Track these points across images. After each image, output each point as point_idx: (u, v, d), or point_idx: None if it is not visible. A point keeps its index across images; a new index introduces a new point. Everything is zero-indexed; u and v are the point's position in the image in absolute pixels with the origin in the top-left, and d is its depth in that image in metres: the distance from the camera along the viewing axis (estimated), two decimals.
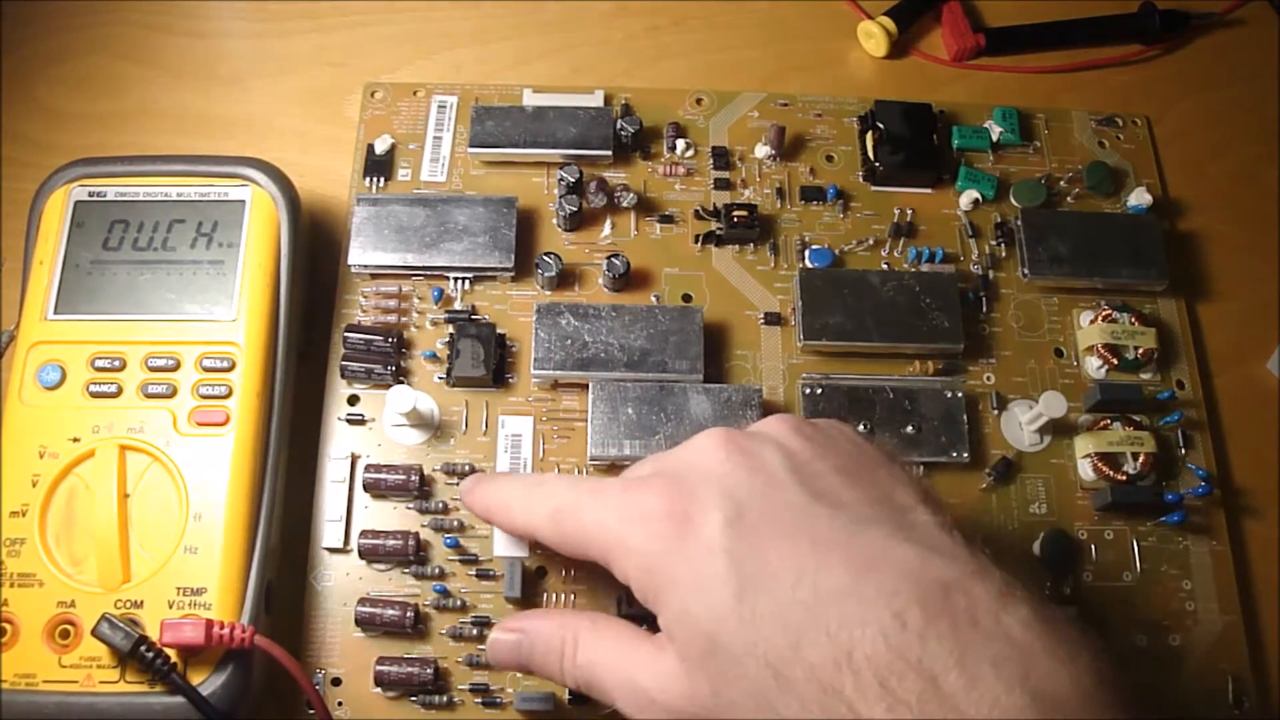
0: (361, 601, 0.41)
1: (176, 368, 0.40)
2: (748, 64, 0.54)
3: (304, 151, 0.50)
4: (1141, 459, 0.44)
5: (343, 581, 0.42)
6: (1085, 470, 0.45)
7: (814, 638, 0.28)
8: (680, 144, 0.50)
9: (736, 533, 0.30)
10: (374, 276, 0.46)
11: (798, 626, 0.28)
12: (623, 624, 0.34)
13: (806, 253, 0.48)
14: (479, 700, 0.40)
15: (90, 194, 0.43)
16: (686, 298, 0.47)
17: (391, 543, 0.41)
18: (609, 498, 0.33)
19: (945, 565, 0.28)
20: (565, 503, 0.34)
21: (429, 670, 0.40)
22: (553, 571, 0.42)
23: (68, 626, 0.37)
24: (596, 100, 0.50)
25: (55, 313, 0.41)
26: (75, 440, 0.39)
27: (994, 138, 0.51)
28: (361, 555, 0.42)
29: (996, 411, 0.46)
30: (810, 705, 0.28)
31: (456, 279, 0.46)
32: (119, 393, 0.40)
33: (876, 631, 0.27)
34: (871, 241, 0.49)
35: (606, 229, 0.48)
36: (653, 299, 0.47)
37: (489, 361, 0.44)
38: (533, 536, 0.37)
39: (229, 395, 0.40)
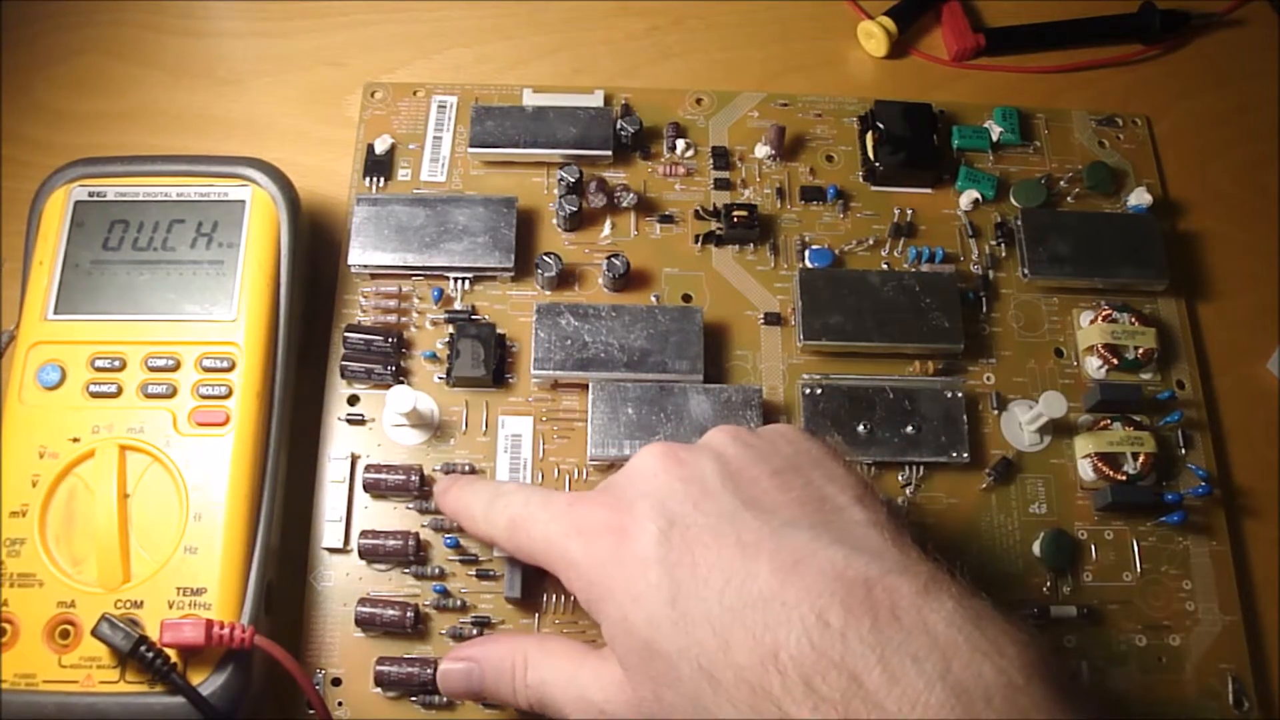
0: (361, 601, 0.41)
1: (176, 368, 0.40)
2: (748, 64, 0.54)
3: (304, 151, 0.50)
4: (1141, 459, 0.44)
5: (343, 581, 0.42)
6: (1085, 470, 0.45)
7: (741, 640, 0.28)
8: (680, 144, 0.50)
9: (669, 543, 0.31)
10: (374, 276, 0.46)
11: (726, 629, 0.29)
12: (569, 641, 0.36)
13: (806, 253, 0.48)
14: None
15: (90, 194, 0.43)
16: (686, 298, 0.47)
17: (391, 543, 0.41)
18: (556, 511, 0.35)
19: (869, 563, 0.29)
20: (518, 515, 0.36)
21: (429, 670, 0.40)
22: None
23: (68, 626, 0.37)
24: (596, 100, 0.50)
25: (55, 313, 0.41)
26: (75, 440, 0.39)
27: (994, 138, 0.51)
28: (361, 555, 0.42)
29: (996, 411, 0.46)
30: (741, 706, 0.28)
31: (456, 279, 0.46)
32: (119, 393, 0.40)
33: (800, 632, 0.28)
34: (871, 241, 0.49)
35: (606, 229, 0.48)
36: (653, 299, 0.47)
37: (489, 361, 0.44)
38: (492, 543, 0.39)
39: (229, 395, 0.40)
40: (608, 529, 0.33)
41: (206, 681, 0.36)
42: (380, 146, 0.49)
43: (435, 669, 0.40)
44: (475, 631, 0.41)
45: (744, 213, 0.47)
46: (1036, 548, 0.44)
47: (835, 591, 0.28)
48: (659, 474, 0.34)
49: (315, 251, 0.47)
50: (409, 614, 0.40)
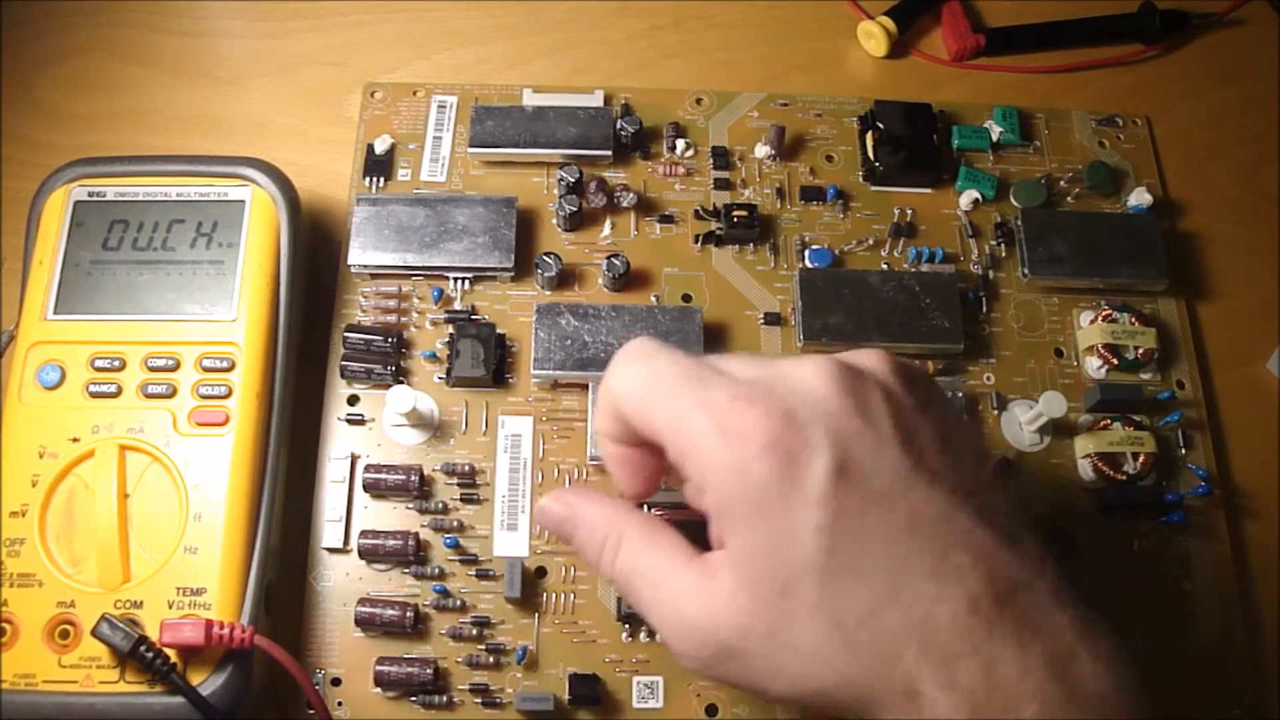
0: (361, 601, 0.41)
1: (176, 368, 0.40)
2: (748, 64, 0.54)
3: (304, 151, 0.50)
4: (1141, 459, 0.44)
5: (343, 581, 0.42)
6: (1085, 470, 0.45)
7: (891, 607, 0.28)
8: (680, 144, 0.50)
9: (842, 489, 0.29)
10: (374, 276, 0.46)
11: (877, 595, 0.29)
12: (672, 535, 0.32)
13: (806, 253, 0.48)
14: (479, 700, 0.40)
15: (90, 194, 0.43)
16: (686, 298, 0.47)
17: (391, 543, 0.41)
18: (715, 397, 0.31)
19: (1018, 559, 0.29)
20: (659, 380, 0.32)
21: (429, 670, 0.40)
22: (552, 571, 0.42)
23: (68, 626, 0.37)
24: (596, 100, 0.50)
25: (55, 313, 0.41)
26: (75, 440, 0.39)
27: (994, 138, 0.51)
28: (361, 555, 0.42)
29: (996, 411, 0.46)
30: (867, 665, 0.28)
31: (456, 279, 0.46)
32: (119, 393, 0.40)
33: (951, 613, 0.28)
34: (871, 241, 0.49)
35: (606, 229, 0.48)
36: (652, 299, 0.47)
37: (489, 361, 0.44)
38: (612, 408, 0.33)
39: (229, 395, 0.40)
40: (775, 446, 0.29)
41: (206, 681, 0.36)
42: (380, 146, 0.49)
43: (435, 669, 0.40)
44: (475, 632, 0.41)
45: (744, 213, 0.47)
46: None
47: (986, 582, 0.28)
48: (830, 398, 0.30)
49: (315, 251, 0.47)
50: (409, 614, 0.40)
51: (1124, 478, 0.44)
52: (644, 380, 0.32)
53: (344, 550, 0.42)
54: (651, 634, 0.41)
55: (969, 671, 0.28)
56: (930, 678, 0.28)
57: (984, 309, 0.48)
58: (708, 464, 0.30)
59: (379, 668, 0.40)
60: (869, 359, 0.33)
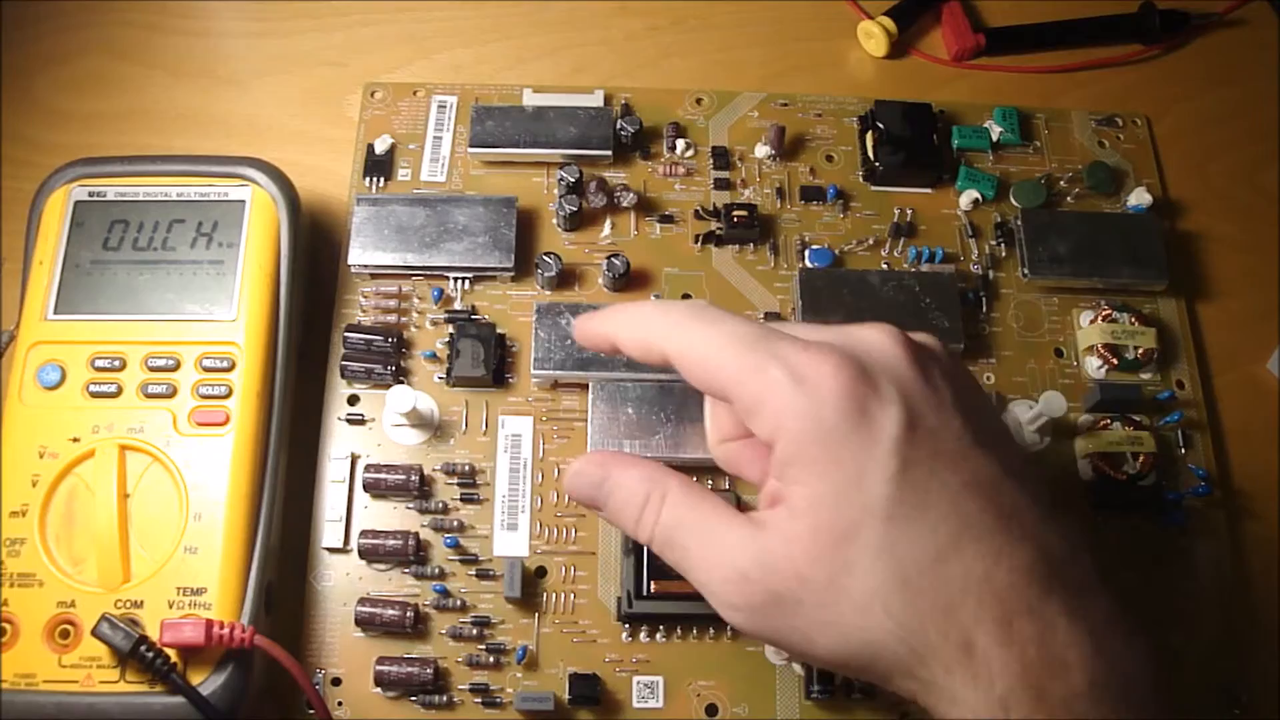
0: (361, 601, 0.41)
1: (176, 368, 0.40)
2: (748, 64, 0.54)
3: (304, 151, 0.50)
4: (1141, 459, 0.44)
5: (343, 581, 0.42)
6: (1085, 470, 0.45)
7: (954, 559, 0.29)
8: (680, 144, 0.50)
9: (911, 439, 0.30)
10: (374, 276, 0.46)
11: (940, 547, 0.29)
12: (717, 496, 0.33)
13: (806, 253, 0.48)
14: (479, 700, 0.40)
15: (90, 194, 0.43)
16: (686, 297, 0.47)
17: (391, 543, 0.41)
18: (788, 349, 0.31)
19: (1065, 536, 0.30)
20: (730, 328, 0.32)
21: (429, 670, 0.40)
22: (552, 571, 0.42)
23: (68, 626, 0.37)
24: (596, 100, 0.50)
25: (55, 313, 0.41)
26: (75, 440, 0.39)
27: (994, 138, 0.51)
28: (361, 555, 0.42)
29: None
30: (923, 615, 0.29)
31: (456, 279, 0.46)
32: (119, 393, 0.40)
33: (1008, 571, 0.29)
34: (871, 241, 0.49)
35: (606, 229, 0.48)
36: (653, 299, 0.47)
37: (489, 361, 0.44)
38: (663, 348, 0.33)
39: (229, 395, 0.40)
40: (850, 395, 0.30)
41: (206, 681, 0.36)
42: (380, 146, 0.49)
43: (435, 669, 0.40)
44: (475, 631, 0.41)
45: (744, 213, 0.47)
46: None
47: (1040, 552, 0.29)
48: (897, 355, 0.32)
49: (315, 251, 0.47)
50: (409, 614, 0.40)
51: (1124, 478, 0.44)
52: (716, 339, 0.32)
53: (344, 550, 0.42)
54: (652, 634, 0.41)
55: (1024, 631, 0.28)
56: (988, 633, 0.28)
57: (984, 309, 0.48)
58: (782, 410, 0.30)
59: (379, 667, 0.40)
60: (927, 339, 0.34)
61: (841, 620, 0.30)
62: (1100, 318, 0.47)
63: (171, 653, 0.36)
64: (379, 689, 0.40)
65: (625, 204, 0.48)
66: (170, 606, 0.37)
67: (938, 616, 0.29)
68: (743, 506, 0.32)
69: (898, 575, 0.29)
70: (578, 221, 0.48)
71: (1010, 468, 0.31)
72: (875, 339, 0.32)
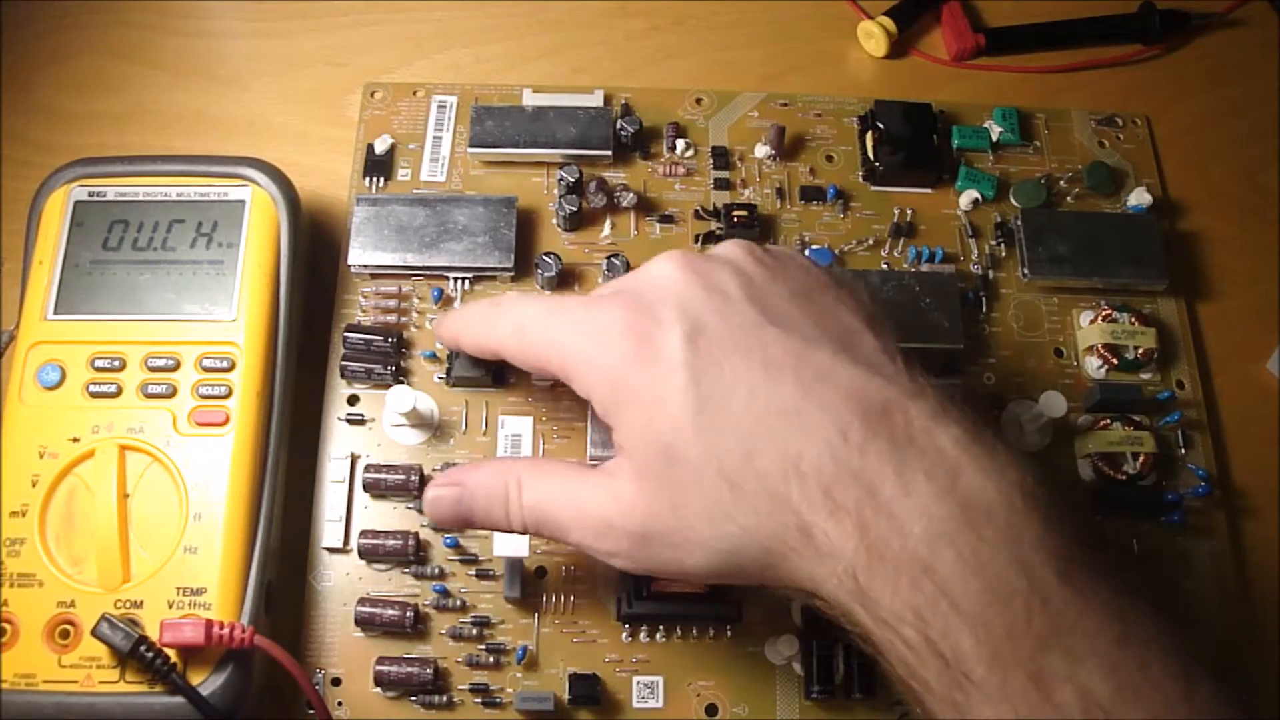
0: (361, 601, 0.41)
1: (176, 368, 0.40)
2: (748, 64, 0.54)
3: (304, 151, 0.50)
4: (1141, 459, 0.44)
5: (343, 581, 0.42)
6: (1085, 470, 0.45)
7: (765, 449, 0.30)
8: (680, 144, 0.50)
9: (696, 349, 0.31)
10: (374, 276, 0.46)
11: (750, 438, 0.30)
12: (563, 461, 0.35)
13: (806, 253, 0.48)
14: (479, 700, 0.40)
15: (90, 194, 0.43)
16: None
17: (391, 543, 0.41)
18: (572, 313, 0.34)
19: (885, 385, 0.30)
20: (528, 318, 0.35)
21: (429, 670, 0.40)
22: (552, 571, 0.42)
23: (68, 626, 0.37)
24: (596, 100, 0.50)
25: (55, 313, 0.41)
26: (75, 440, 0.39)
27: (994, 138, 0.51)
28: (361, 555, 0.42)
29: (996, 411, 0.46)
30: (760, 511, 0.30)
31: (456, 279, 0.46)
32: (119, 393, 0.40)
33: (822, 444, 0.29)
34: (871, 241, 0.49)
35: (606, 229, 0.48)
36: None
37: (489, 362, 0.44)
38: (496, 353, 0.37)
39: (229, 395, 0.40)
40: (630, 331, 0.32)
41: (206, 681, 0.36)
42: (380, 146, 0.49)
43: (435, 669, 0.40)
44: (475, 631, 0.41)
45: (744, 213, 0.48)
46: None
47: (855, 410, 0.30)
48: (679, 280, 0.33)
49: (315, 251, 0.47)
50: (409, 614, 0.40)
51: (1124, 478, 0.44)
52: (519, 329, 0.35)
53: (344, 550, 0.42)
54: (652, 634, 0.41)
55: (849, 495, 0.29)
56: (815, 509, 0.29)
57: (984, 309, 0.48)
58: (583, 369, 0.33)
59: (379, 668, 0.40)
60: (724, 246, 0.36)
61: (699, 537, 0.31)
62: (1100, 318, 0.47)
63: (171, 653, 0.36)
64: (379, 689, 0.40)
65: (625, 204, 0.48)
66: (170, 606, 0.37)
67: (770, 507, 0.30)
68: None
69: (724, 478, 0.30)
70: (578, 222, 0.48)
71: (818, 333, 0.32)
72: (656, 270, 0.34)
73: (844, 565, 0.29)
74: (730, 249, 0.35)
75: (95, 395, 0.40)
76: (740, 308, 0.32)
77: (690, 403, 0.31)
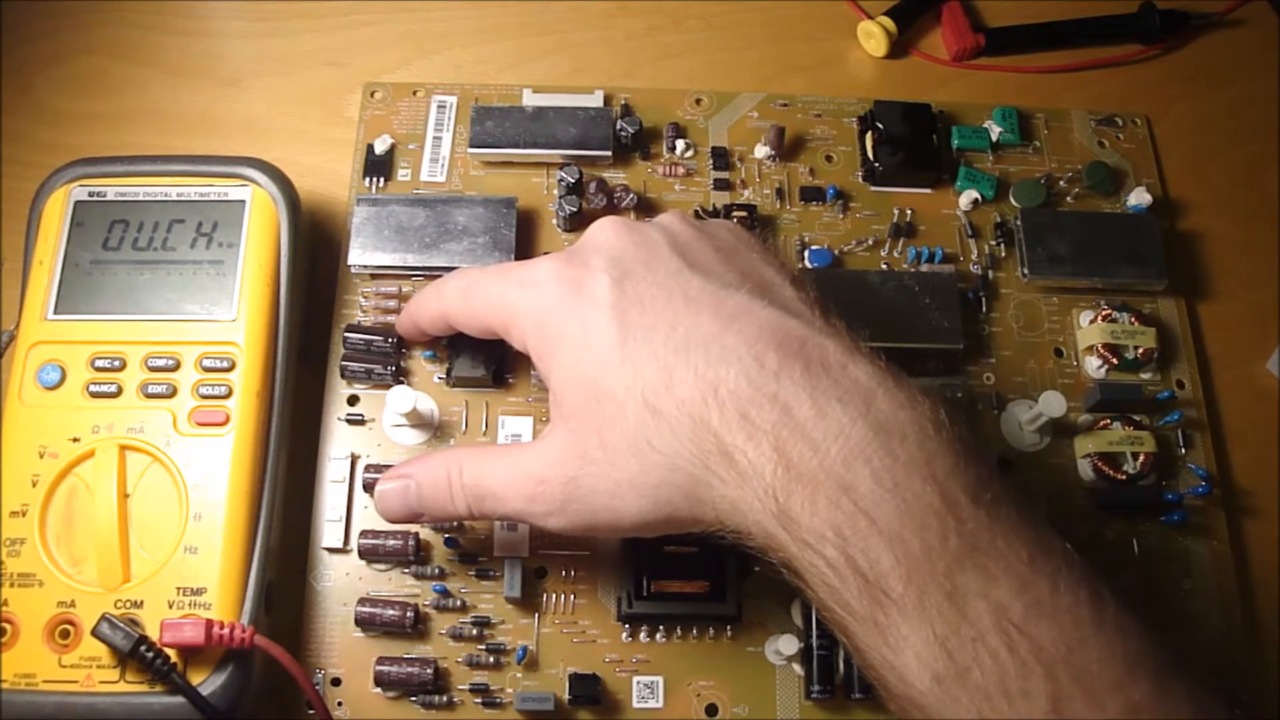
0: (361, 601, 0.41)
1: (176, 368, 0.40)
2: (748, 64, 0.54)
3: (304, 151, 0.50)
4: (1141, 459, 0.44)
5: (343, 581, 0.42)
6: (1085, 470, 0.45)
7: (684, 376, 0.31)
8: (680, 144, 0.50)
9: (621, 290, 0.34)
10: (374, 276, 0.46)
11: (670, 367, 0.32)
12: (504, 444, 0.37)
13: (806, 253, 0.48)
14: (479, 700, 0.40)
15: (90, 194, 0.43)
16: None
17: (391, 543, 0.41)
18: (510, 271, 0.37)
19: (801, 324, 0.32)
20: (470, 280, 0.38)
21: (429, 670, 0.40)
22: (552, 571, 0.42)
23: (68, 626, 0.37)
24: (596, 100, 0.50)
25: (55, 313, 0.41)
26: (75, 440, 0.39)
27: (994, 138, 0.51)
28: (361, 555, 0.42)
29: (996, 411, 0.46)
30: (682, 437, 0.31)
31: None
32: (119, 393, 0.40)
33: (739, 370, 0.31)
34: (871, 241, 0.49)
35: None
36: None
37: (489, 361, 0.44)
38: (446, 319, 0.40)
39: (229, 395, 0.40)
40: (561, 278, 0.35)
41: (206, 681, 0.36)
42: (380, 146, 0.49)
43: (435, 669, 0.40)
44: (475, 632, 0.41)
45: (744, 213, 0.48)
46: None
47: (770, 341, 0.31)
48: (612, 237, 0.36)
49: (315, 251, 0.47)
50: (409, 614, 0.40)
51: (1124, 478, 0.44)
52: (465, 292, 0.38)
53: (344, 550, 0.42)
54: (652, 634, 0.41)
55: (766, 417, 0.30)
56: (733, 432, 0.30)
57: (984, 309, 0.48)
58: (518, 318, 0.36)
59: (379, 668, 0.40)
60: (661, 215, 0.38)
61: (629, 475, 0.32)
62: (1100, 317, 0.47)
63: (171, 653, 0.36)
64: (379, 689, 0.40)
65: (625, 204, 0.48)
66: (170, 606, 0.37)
67: (691, 431, 0.31)
68: None
69: (646, 406, 0.32)
70: (578, 222, 0.48)
71: (739, 280, 0.34)
72: (593, 231, 0.37)
73: (764, 487, 0.30)
74: (665, 216, 0.38)
75: (95, 395, 0.40)
76: (665, 257, 0.35)
77: (614, 339, 0.33)
